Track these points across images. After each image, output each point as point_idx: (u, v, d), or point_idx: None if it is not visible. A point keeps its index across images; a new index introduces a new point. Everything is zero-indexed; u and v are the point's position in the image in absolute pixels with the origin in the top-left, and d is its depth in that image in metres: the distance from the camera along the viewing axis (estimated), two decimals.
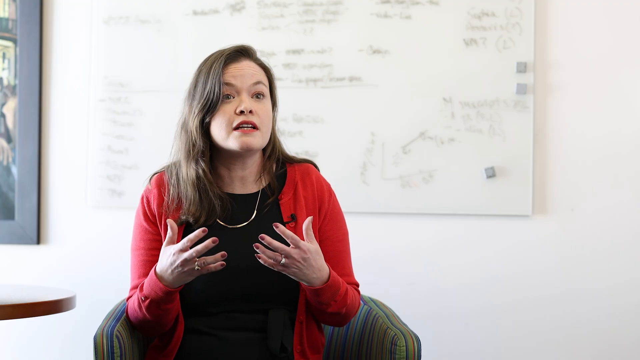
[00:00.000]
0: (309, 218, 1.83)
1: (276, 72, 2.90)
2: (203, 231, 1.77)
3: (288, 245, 1.80)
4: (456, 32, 2.83)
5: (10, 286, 2.68)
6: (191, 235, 1.78)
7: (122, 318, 2.00)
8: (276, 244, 1.78)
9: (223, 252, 1.78)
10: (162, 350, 1.99)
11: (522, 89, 2.79)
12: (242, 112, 1.91)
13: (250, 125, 1.92)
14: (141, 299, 1.89)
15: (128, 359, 1.95)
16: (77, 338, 2.96)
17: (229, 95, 1.94)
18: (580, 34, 2.80)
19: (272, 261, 1.80)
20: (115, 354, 1.91)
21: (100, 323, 2.00)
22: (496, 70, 2.81)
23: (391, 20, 2.86)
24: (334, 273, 1.91)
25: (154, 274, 1.86)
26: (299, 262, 1.80)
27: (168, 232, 1.83)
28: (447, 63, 2.83)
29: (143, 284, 1.90)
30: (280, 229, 1.78)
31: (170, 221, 1.83)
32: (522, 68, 2.79)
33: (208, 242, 1.77)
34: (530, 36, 2.80)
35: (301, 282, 1.88)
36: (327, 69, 2.88)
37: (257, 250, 1.79)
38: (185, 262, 1.79)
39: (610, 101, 2.79)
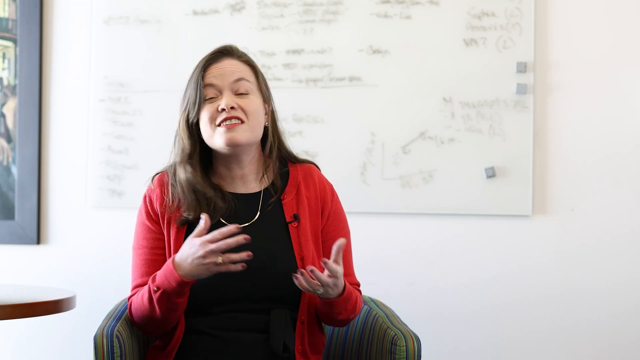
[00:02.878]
0: (342, 239, 1.83)
1: (276, 72, 2.91)
2: (237, 228, 1.79)
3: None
4: (456, 32, 2.83)
5: (10, 286, 2.67)
6: (224, 229, 1.80)
7: (122, 318, 2.00)
8: (325, 279, 1.82)
9: (249, 252, 1.79)
10: (162, 350, 1.99)
11: (522, 89, 2.79)
12: (223, 109, 1.92)
13: (235, 120, 1.92)
14: (153, 289, 1.88)
15: (128, 359, 1.95)
16: (77, 338, 2.96)
17: (212, 97, 1.95)
18: (580, 34, 2.80)
19: (308, 287, 1.83)
20: (115, 354, 1.91)
21: (100, 323, 2.00)
22: (496, 70, 2.81)
23: (391, 20, 2.86)
24: (347, 284, 1.93)
25: (171, 263, 1.86)
26: (330, 287, 1.85)
27: (199, 225, 1.83)
28: (447, 63, 2.83)
29: (155, 276, 1.90)
30: (330, 266, 1.80)
31: (204, 215, 1.83)
32: (522, 68, 2.79)
33: (240, 237, 1.78)
34: (530, 36, 2.80)
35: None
36: (327, 69, 2.88)
37: (298, 276, 1.82)
38: (210, 253, 1.79)
39: (610, 101, 2.79)
